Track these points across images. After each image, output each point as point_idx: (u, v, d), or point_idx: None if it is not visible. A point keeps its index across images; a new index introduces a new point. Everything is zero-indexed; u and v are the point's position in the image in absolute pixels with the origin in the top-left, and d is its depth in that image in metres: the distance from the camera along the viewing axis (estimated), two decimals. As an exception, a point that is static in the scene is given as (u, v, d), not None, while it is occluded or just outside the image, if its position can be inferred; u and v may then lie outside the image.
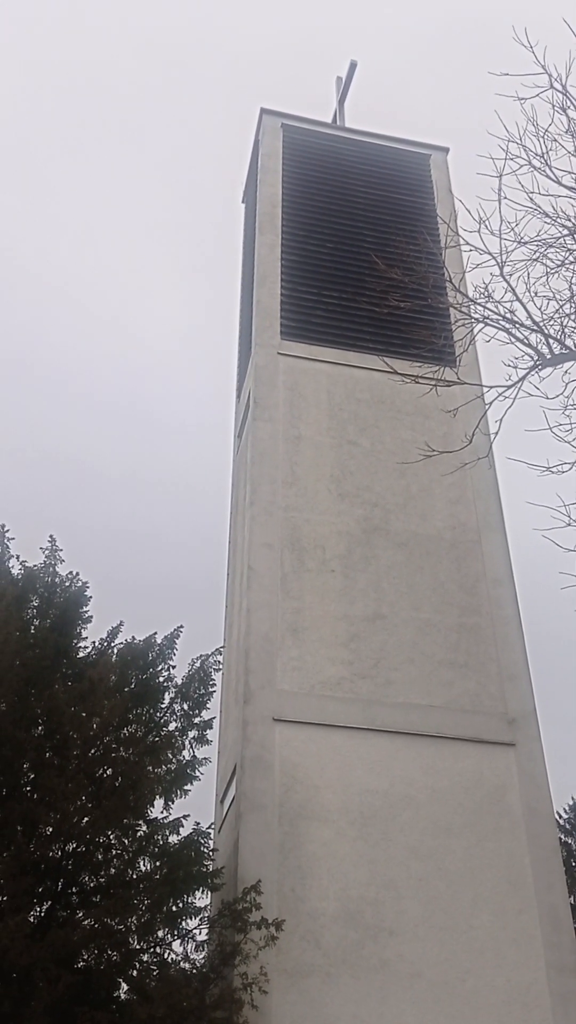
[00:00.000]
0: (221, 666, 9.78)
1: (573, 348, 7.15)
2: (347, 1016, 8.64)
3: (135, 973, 7.95)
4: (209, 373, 41.63)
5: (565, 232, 7.28)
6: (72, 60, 43.77)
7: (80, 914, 7.96)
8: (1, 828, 7.78)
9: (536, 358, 7.15)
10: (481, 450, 10.54)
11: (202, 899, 8.57)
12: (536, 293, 7.25)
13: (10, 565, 9.44)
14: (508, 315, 7.21)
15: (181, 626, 9.60)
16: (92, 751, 8.40)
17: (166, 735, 8.98)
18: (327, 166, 15.29)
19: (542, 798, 10.20)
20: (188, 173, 45.62)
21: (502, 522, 12.18)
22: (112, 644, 9.49)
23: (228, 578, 13.45)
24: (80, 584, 9.45)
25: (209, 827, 8.98)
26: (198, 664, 9.59)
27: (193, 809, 8.99)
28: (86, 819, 7.95)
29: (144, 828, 8.56)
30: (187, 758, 9.11)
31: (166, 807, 8.84)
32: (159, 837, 8.57)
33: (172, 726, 9.24)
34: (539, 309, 7.22)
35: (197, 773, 9.13)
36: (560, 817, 17.30)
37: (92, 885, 8.27)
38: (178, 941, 8.39)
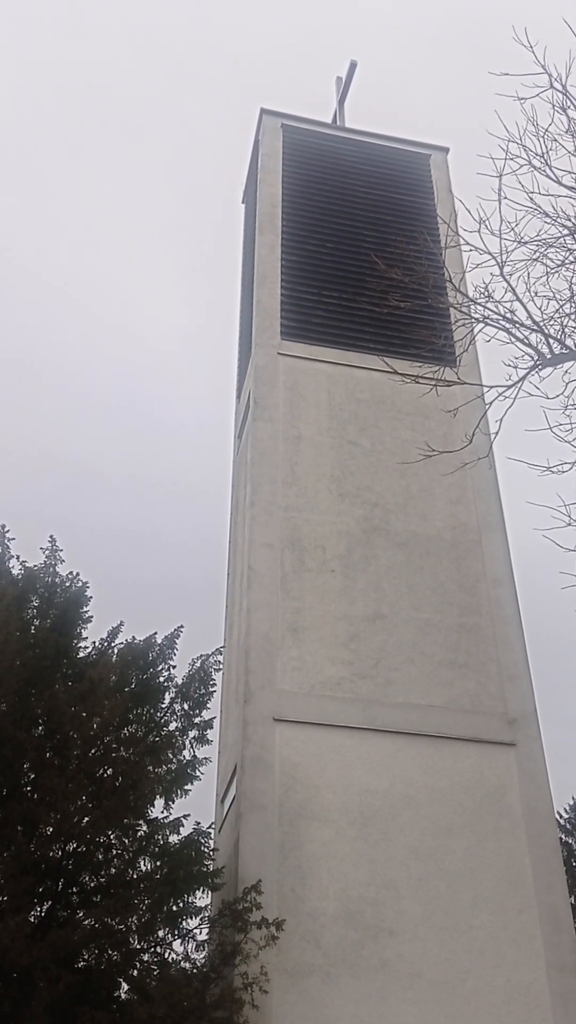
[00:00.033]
0: (221, 666, 9.79)
1: (573, 348, 7.15)
2: (347, 1016, 8.64)
3: (135, 973, 7.95)
4: (209, 373, 41.69)
5: (565, 232, 7.29)
6: (72, 60, 43.81)
7: (80, 914, 7.96)
8: (1, 828, 7.78)
9: (536, 358, 7.16)
10: (481, 450, 10.54)
11: (202, 899, 8.59)
12: (536, 293, 7.26)
13: (10, 565, 9.44)
14: (508, 315, 7.22)
15: (181, 626, 9.62)
16: (92, 751, 8.40)
17: (166, 735, 8.98)
18: (327, 166, 15.29)
19: (542, 798, 10.20)
20: (188, 173, 45.68)
21: (502, 522, 12.18)
22: (112, 644, 9.50)
23: (228, 578, 13.45)
24: (80, 584, 9.46)
25: (209, 827, 8.99)
26: (198, 664, 9.59)
27: (193, 809, 9.01)
28: (86, 819, 7.96)
29: (144, 828, 8.57)
30: (187, 758, 9.12)
31: (166, 807, 8.85)
32: (159, 837, 8.58)
33: (172, 726, 9.25)
34: (539, 309, 7.23)
35: (197, 773, 9.14)
36: (560, 817, 17.30)
37: (92, 885, 8.27)
38: (178, 941, 8.40)
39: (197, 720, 9.35)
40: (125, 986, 7.97)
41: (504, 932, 9.34)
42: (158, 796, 8.65)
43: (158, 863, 8.40)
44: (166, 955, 8.29)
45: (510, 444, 7.89)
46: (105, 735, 8.51)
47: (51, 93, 45.32)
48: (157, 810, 8.74)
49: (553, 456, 7.02)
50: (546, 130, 7.19)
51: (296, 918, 8.95)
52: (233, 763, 10.55)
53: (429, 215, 14.40)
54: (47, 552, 9.53)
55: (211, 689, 9.54)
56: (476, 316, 7.46)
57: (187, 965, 8.27)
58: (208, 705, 9.49)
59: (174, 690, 9.40)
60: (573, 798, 17.86)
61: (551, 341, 7.14)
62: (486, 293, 7.27)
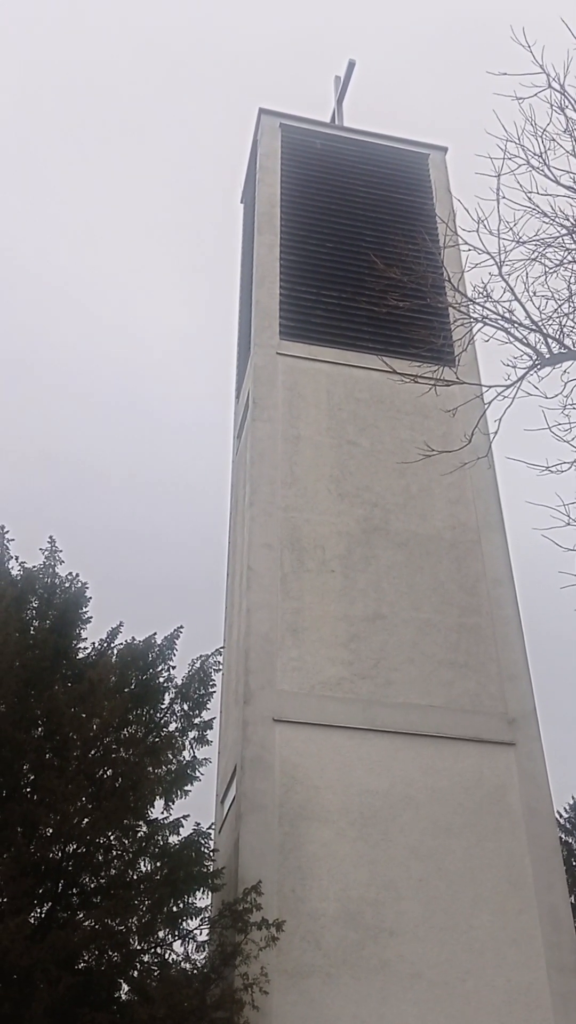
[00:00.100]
0: (221, 666, 9.78)
1: (572, 347, 7.14)
2: (347, 1016, 8.64)
3: (136, 974, 7.95)
4: (209, 373, 41.70)
5: (563, 231, 7.28)
6: (72, 60, 43.83)
7: (80, 915, 7.96)
8: (1, 829, 7.78)
9: (535, 357, 7.15)
10: (480, 450, 10.54)
11: (203, 899, 8.58)
12: (535, 292, 7.26)
13: (10, 566, 9.43)
14: (507, 314, 7.22)
15: (181, 626, 9.61)
16: (92, 752, 8.40)
17: (166, 736, 8.97)
18: (326, 166, 15.28)
19: (542, 798, 10.19)
20: (188, 173, 45.69)
21: (502, 522, 12.18)
22: (112, 645, 9.49)
23: (228, 578, 13.45)
24: (80, 585, 9.44)
25: (209, 827, 8.98)
26: (198, 664, 9.58)
27: (193, 809, 9.00)
28: (86, 820, 7.95)
29: (144, 829, 8.56)
30: (187, 758, 9.11)
31: (166, 808, 8.84)
32: (159, 838, 8.57)
33: (172, 727, 9.24)
34: (538, 308, 7.23)
35: (197, 773, 9.13)
36: (560, 817, 17.31)
37: (92, 886, 8.27)
38: (179, 942, 8.40)
39: (197, 721, 9.34)
40: (125, 987, 7.96)
41: (504, 932, 9.34)
42: (158, 797, 8.64)
43: (158, 864, 8.39)
44: (166, 956, 8.29)
45: (509, 444, 7.90)
46: (105, 736, 8.50)
47: (51, 93, 45.37)
48: (157, 811, 8.75)
49: (552, 456, 7.03)
50: (544, 130, 7.20)
51: (296, 919, 8.94)
52: (233, 764, 10.54)
53: (428, 215, 14.40)
54: (46, 553, 9.53)
55: (211, 690, 9.53)
56: (475, 316, 7.46)
57: (187, 966, 8.27)
58: (208, 705, 9.48)
59: (174, 691, 9.39)
60: (573, 798, 17.89)
61: (550, 341, 7.13)
62: (485, 293, 7.27)
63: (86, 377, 40.20)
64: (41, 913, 7.99)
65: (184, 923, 8.39)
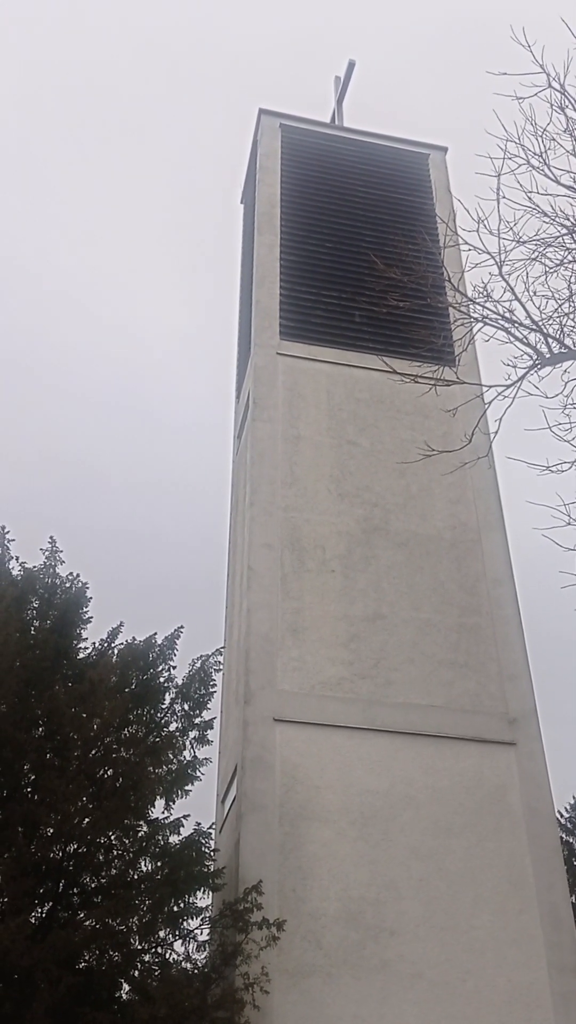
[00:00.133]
0: (221, 666, 9.78)
1: (572, 347, 7.14)
2: (348, 1016, 8.64)
3: (136, 974, 7.95)
4: (209, 373, 41.69)
5: (564, 231, 7.28)
6: (72, 60, 43.84)
7: (81, 915, 7.96)
8: (2, 829, 7.78)
9: (535, 357, 7.15)
10: (481, 449, 10.52)
11: (203, 899, 8.58)
12: (535, 292, 7.26)
13: (10, 566, 9.44)
14: (507, 314, 7.22)
15: (181, 626, 9.61)
16: (93, 752, 8.40)
17: (167, 736, 8.98)
18: (326, 166, 15.28)
19: (543, 797, 10.20)
20: (188, 173, 45.69)
21: (502, 522, 12.18)
22: (112, 645, 9.49)
23: (228, 578, 13.45)
24: (80, 585, 9.44)
25: (210, 827, 8.98)
26: (198, 664, 9.58)
27: (194, 809, 9.00)
28: (87, 820, 7.95)
29: (145, 828, 8.56)
30: (188, 758, 9.11)
31: (167, 807, 8.84)
32: (160, 837, 8.57)
33: (173, 726, 9.24)
34: (538, 308, 7.23)
35: (198, 773, 9.13)
36: (561, 816, 17.31)
37: (93, 886, 8.27)
38: (179, 941, 8.40)
39: (197, 720, 9.34)
40: (126, 987, 7.97)
41: (505, 932, 9.34)
42: (158, 797, 8.64)
43: (159, 864, 8.40)
44: (167, 956, 8.29)
45: (509, 443, 7.89)
46: (105, 736, 8.50)
47: (51, 93, 45.38)
48: (158, 811, 8.75)
49: (552, 455, 7.02)
50: (544, 129, 7.20)
51: (297, 918, 8.95)
52: (233, 763, 10.55)
53: (428, 215, 14.40)
54: (47, 553, 9.53)
55: (211, 689, 9.53)
56: (475, 315, 7.46)
57: (188, 966, 8.27)
58: (208, 705, 9.48)
59: (174, 691, 9.39)
60: (573, 797, 17.88)
61: (550, 340, 7.13)
62: (485, 292, 7.27)
63: (86, 377, 40.24)
64: (42, 913, 7.99)
65: (185, 923, 8.40)
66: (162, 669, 9.41)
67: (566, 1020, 8.99)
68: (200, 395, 39.73)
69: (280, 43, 45.59)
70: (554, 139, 7.21)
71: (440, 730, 10.35)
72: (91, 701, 8.42)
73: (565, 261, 7.32)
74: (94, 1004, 7.43)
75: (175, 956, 8.30)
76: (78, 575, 9.49)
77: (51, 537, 9.59)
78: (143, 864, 8.40)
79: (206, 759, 9.32)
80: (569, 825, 17.37)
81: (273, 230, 14.17)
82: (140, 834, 8.51)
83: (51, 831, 7.87)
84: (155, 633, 9.54)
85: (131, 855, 8.36)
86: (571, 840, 16.95)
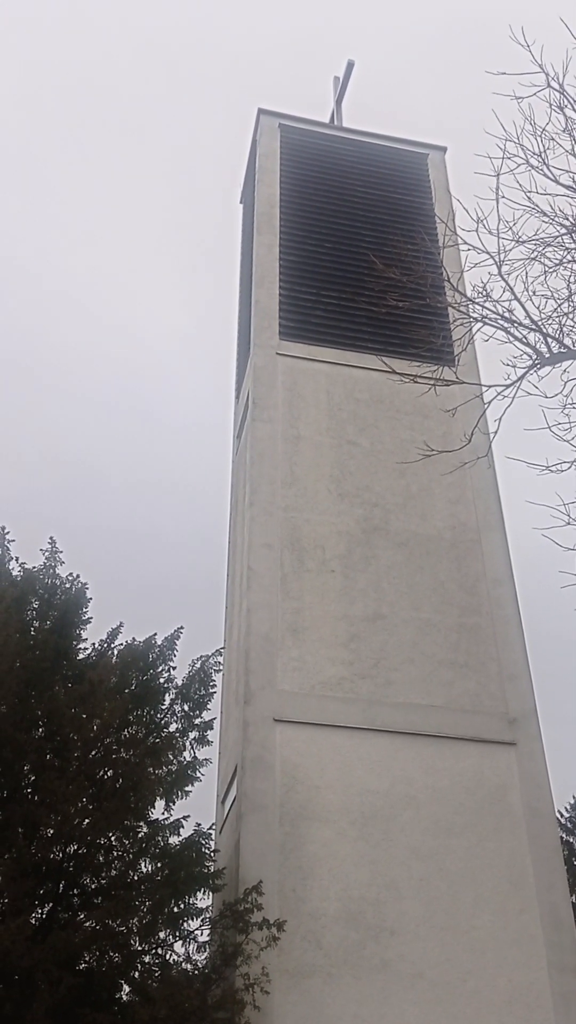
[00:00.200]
0: (221, 667, 9.77)
1: (571, 347, 7.14)
2: (349, 1016, 8.64)
3: (137, 974, 7.95)
4: (209, 373, 41.70)
5: (563, 231, 7.28)
6: (72, 60, 43.84)
7: (81, 916, 7.96)
8: (2, 830, 7.78)
9: (535, 357, 7.15)
10: (480, 449, 10.52)
11: (203, 900, 8.58)
12: (534, 292, 7.27)
13: (10, 567, 9.43)
14: (506, 314, 7.22)
15: (181, 627, 9.60)
16: (93, 753, 8.39)
17: (167, 736, 8.97)
18: (325, 166, 15.28)
19: (543, 797, 10.19)
20: (188, 173, 45.70)
21: (502, 521, 12.17)
22: (112, 645, 9.48)
23: (228, 578, 13.44)
24: (80, 585, 9.43)
25: (210, 828, 8.98)
26: (198, 665, 9.58)
27: (194, 810, 9.00)
28: (87, 821, 7.95)
29: (145, 829, 8.56)
30: (188, 759, 9.10)
31: (167, 808, 8.84)
32: (160, 838, 8.57)
33: (173, 727, 9.23)
34: (537, 308, 7.24)
35: (198, 774, 9.12)
36: (561, 816, 17.31)
37: (93, 887, 8.27)
38: (180, 942, 8.39)
39: (197, 721, 9.33)
40: (126, 988, 7.96)
41: (505, 932, 9.34)
42: (159, 797, 8.64)
43: (159, 864, 8.39)
44: (167, 956, 8.28)
45: (509, 443, 7.90)
46: (105, 737, 8.50)
47: (51, 93, 45.38)
48: (158, 811, 8.74)
49: (552, 455, 7.03)
50: (543, 129, 7.20)
51: (297, 919, 8.94)
52: (234, 764, 10.54)
53: (427, 215, 14.40)
54: (47, 553, 9.52)
55: (211, 690, 9.52)
56: (474, 315, 7.46)
57: (188, 966, 8.26)
58: (208, 706, 9.47)
59: (174, 691, 9.39)
60: (574, 797, 17.89)
61: (549, 340, 7.14)
62: (484, 292, 7.27)
63: (86, 377, 40.25)
64: (42, 914, 7.99)
65: (185, 923, 8.39)
66: (162, 670, 9.40)
67: (566, 1020, 8.99)
68: (200, 395, 39.77)
69: (280, 43, 45.64)
70: (553, 139, 7.22)
71: (440, 730, 10.35)
72: (91, 702, 8.42)
73: (564, 261, 7.33)
74: (94, 1005, 7.42)
75: (175, 957, 8.31)
76: (78, 575, 9.50)
77: (51, 537, 9.59)
78: (143, 865, 8.39)
79: (206, 760, 9.32)
80: (569, 825, 17.38)
81: (272, 230, 14.17)
82: (140, 835, 8.50)
83: (51, 832, 7.86)
84: (155, 634, 9.54)
85: (131, 856, 8.35)
86: (571, 840, 16.95)
